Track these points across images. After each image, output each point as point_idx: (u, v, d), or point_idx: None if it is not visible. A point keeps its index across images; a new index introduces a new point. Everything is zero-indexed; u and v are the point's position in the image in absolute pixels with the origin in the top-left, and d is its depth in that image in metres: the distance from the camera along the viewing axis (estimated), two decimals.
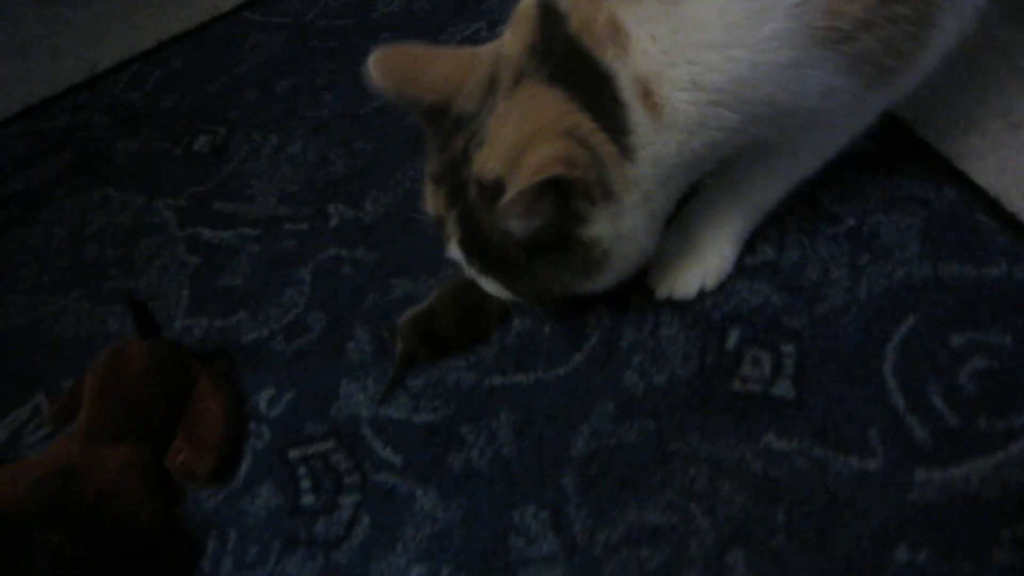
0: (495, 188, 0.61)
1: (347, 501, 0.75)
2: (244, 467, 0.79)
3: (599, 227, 0.64)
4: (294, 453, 0.79)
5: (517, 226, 0.61)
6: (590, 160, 0.60)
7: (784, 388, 0.72)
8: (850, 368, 0.72)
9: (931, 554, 0.61)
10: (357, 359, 0.84)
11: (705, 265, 0.78)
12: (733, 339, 0.76)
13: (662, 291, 0.79)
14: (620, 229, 0.64)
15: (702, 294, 0.78)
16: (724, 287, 0.80)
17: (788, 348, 0.75)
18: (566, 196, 0.61)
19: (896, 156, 0.85)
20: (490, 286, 0.70)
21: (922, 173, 0.83)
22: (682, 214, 0.77)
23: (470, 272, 0.70)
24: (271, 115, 1.14)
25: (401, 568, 0.70)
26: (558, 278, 0.67)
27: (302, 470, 0.78)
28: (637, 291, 0.81)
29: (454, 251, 0.69)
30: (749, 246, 0.82)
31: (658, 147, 0.61)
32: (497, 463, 0.74)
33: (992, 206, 0.79)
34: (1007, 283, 0.73)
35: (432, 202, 0.69)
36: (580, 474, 0.71)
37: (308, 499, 0.76)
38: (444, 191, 0.67)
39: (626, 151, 0.61)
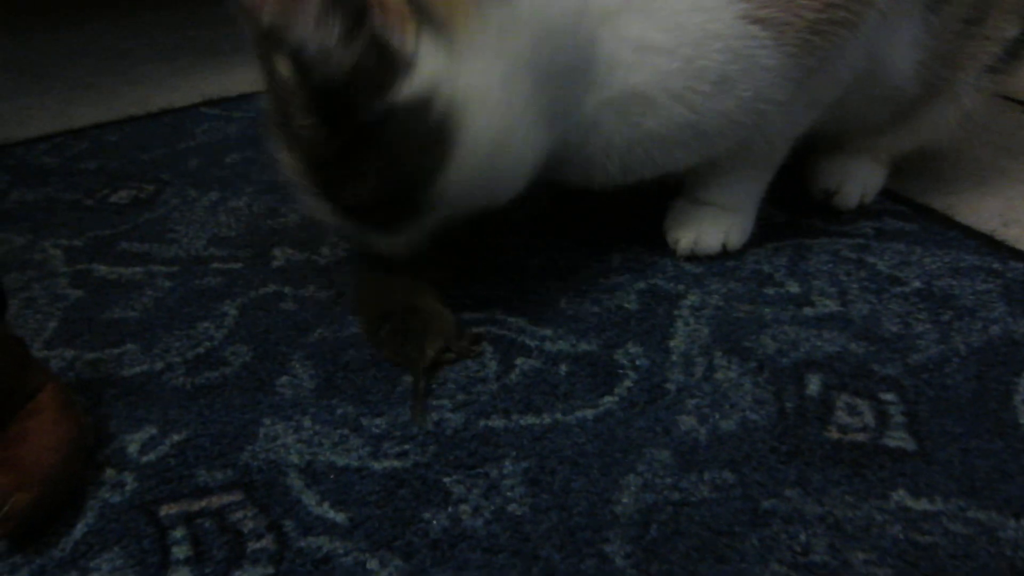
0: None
1: None
2: (79, 529, 0.49)
3: (429, 65, 0.50)
4: (170, 509, 0.50)
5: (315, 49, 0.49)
6: None
7: (900, 438, 0.53)
8: (977, 419, 0.54)
9: None
10: (291, 395, 0.59)
11: (726, 221, 0.72)
12: (815, 385, 0.58)
13: (684, 245, 0.72)
14: (466, 76, 0.51)
15: (723, 252, 0.73)
16: (786, 333, 0.63)
17: (889, 396, 0.57)
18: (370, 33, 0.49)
19: (947, 236, 0.76)
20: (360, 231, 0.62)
21: (980, 248, 0.74)
22: (690, 180, 0.73)
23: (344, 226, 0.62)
24: (215, 177, 0.98)
25: None
26: (405, 167, 0.54)
27: (178, 532, 0.48)
28: (675, 335, 0.63)
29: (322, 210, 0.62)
30: (806, 299, 0.68)
31: None
32: (501, 523, 0.48)
33: None
34: None
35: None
36: (633, 539, 0.46)
37: (180, 573, 0.46)
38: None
39: None
